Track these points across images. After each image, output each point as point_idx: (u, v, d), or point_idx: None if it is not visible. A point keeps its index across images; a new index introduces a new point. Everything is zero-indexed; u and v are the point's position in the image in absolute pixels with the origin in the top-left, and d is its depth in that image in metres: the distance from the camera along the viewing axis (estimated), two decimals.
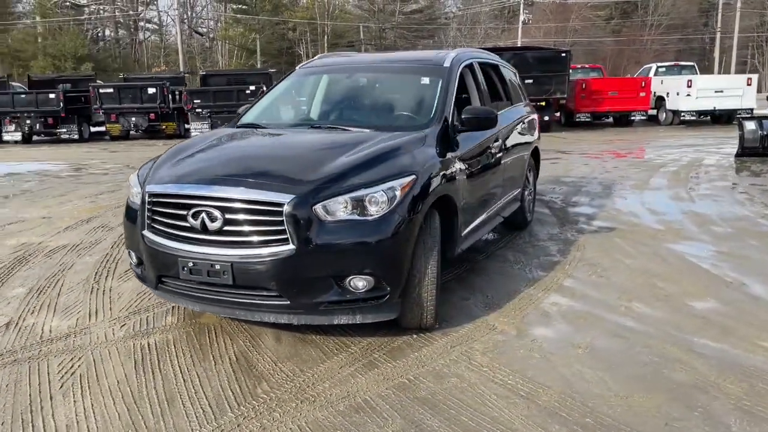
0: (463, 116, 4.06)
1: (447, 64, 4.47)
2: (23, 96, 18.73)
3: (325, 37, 51.13)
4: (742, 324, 3.62)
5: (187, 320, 3.81)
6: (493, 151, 4.67)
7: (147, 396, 2.89)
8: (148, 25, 56.24)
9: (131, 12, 52.95)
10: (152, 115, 18.66)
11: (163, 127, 18.92)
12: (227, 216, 3.09)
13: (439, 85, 4.28)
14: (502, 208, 5.10)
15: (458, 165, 3.89)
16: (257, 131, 4.32)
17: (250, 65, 45.69)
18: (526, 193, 6.01)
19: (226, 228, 3.10)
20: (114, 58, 48.43)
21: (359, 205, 3.10)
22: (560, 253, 5.18)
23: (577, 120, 19.24)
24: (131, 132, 19.46)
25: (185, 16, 57.81)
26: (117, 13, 52.50)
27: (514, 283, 4.43)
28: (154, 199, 3.34)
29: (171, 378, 3.06)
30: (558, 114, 19.83)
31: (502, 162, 4.91)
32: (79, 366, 3.21)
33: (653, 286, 4.34)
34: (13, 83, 20.53)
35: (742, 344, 3.34)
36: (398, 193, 3.18)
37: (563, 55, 17.81)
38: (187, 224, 3.16)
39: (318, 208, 3.05)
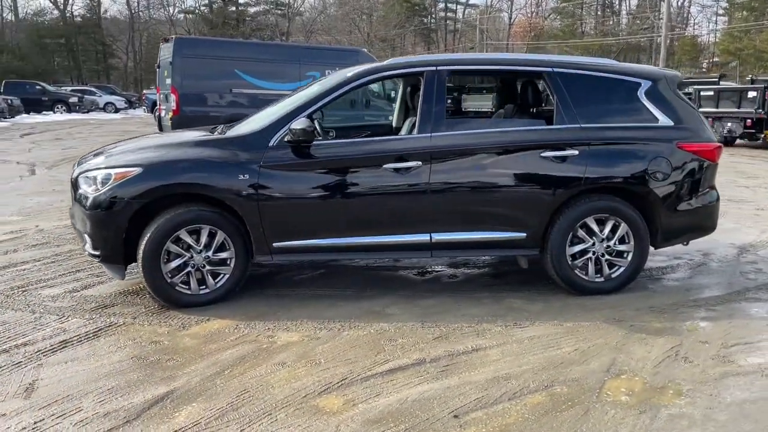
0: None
1: (350, 74, 4.26)
2: None
3: None
4: None
5: None
6: (390, 170, 4.08)
7: None
8: None
9: None
10: (749, 122, 16.75)
11: (762, 135, 16.82)
12: None
13: (309, 95, 4.26)
14: (432, 244, 4.19)
15: (275, 174, 3.95)
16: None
17: None
18: (585, 246, 4.27)
19: None
20: None
21: (93, 182, 3.96)
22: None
23: None
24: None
25: None
26: None
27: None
28: None
29: None
30: None
31: (423, 186, 4.10)
32: None
33: None
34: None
35: None
36: (112, 179, 3.88)
37: None
38: None
39: (79, 178, 4.09)
